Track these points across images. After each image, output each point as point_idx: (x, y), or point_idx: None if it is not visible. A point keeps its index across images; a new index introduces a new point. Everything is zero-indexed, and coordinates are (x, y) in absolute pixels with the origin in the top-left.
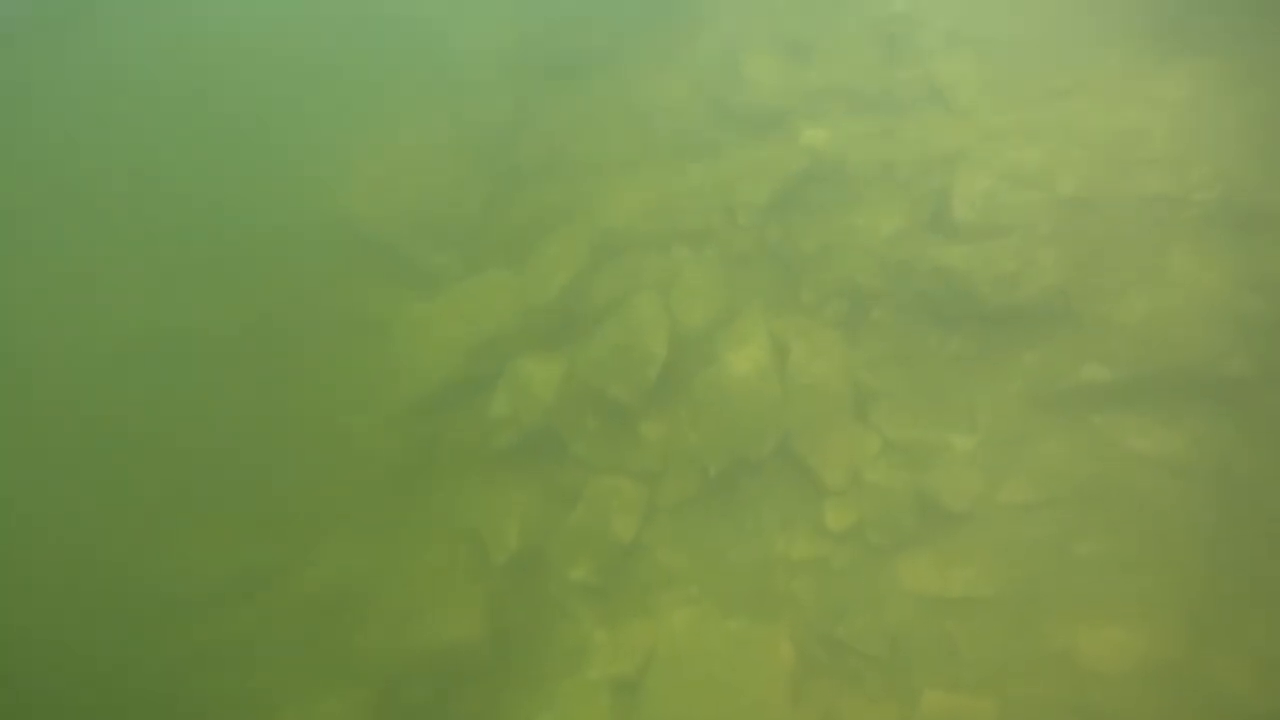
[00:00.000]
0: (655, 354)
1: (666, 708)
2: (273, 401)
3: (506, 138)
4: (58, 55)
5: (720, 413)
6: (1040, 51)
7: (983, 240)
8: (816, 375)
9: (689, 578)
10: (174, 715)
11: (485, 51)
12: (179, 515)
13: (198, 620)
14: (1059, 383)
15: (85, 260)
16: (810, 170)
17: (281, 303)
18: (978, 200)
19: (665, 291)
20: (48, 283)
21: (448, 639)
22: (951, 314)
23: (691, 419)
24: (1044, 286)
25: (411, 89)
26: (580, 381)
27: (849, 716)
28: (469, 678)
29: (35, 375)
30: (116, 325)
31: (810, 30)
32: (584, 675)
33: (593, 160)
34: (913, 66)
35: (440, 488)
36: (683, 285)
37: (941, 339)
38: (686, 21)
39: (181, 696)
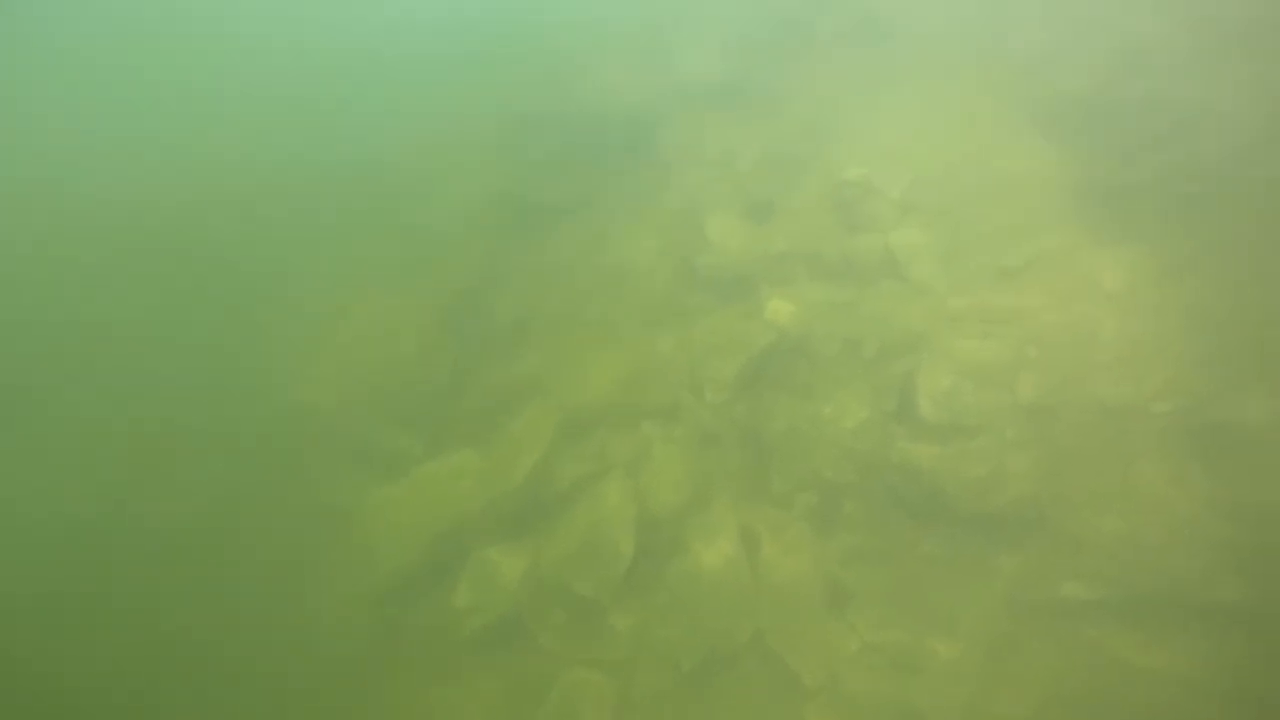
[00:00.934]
0: (623, 551)
1: None
2: (233, 592)
3: (475, 300)
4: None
5: (692, 606)
6: (986, 225)
7: (950, 441)
8: (789, 571)
9: None
10: None
11: (454, 206)
12: (135, 705)
13: None
14: (1041, 594)
15: (34, 447)
16: (776, 345)
17: (240, 494)
18: (941, 398)
19: (634, 474)
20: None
21: None
22: (924, 512)
23: (662, 612)
24: (1016, 495)
25: (376, 248)
26: (547, 574)
27: None
28: None
29: None
30: (74, 517)
31: (770, 190)
32: None
33: (564, 325)
34: (870, 233)
35: (405, 679)
36: (652, 467)
37: (916, 537)
38: (654, 174)
39: None
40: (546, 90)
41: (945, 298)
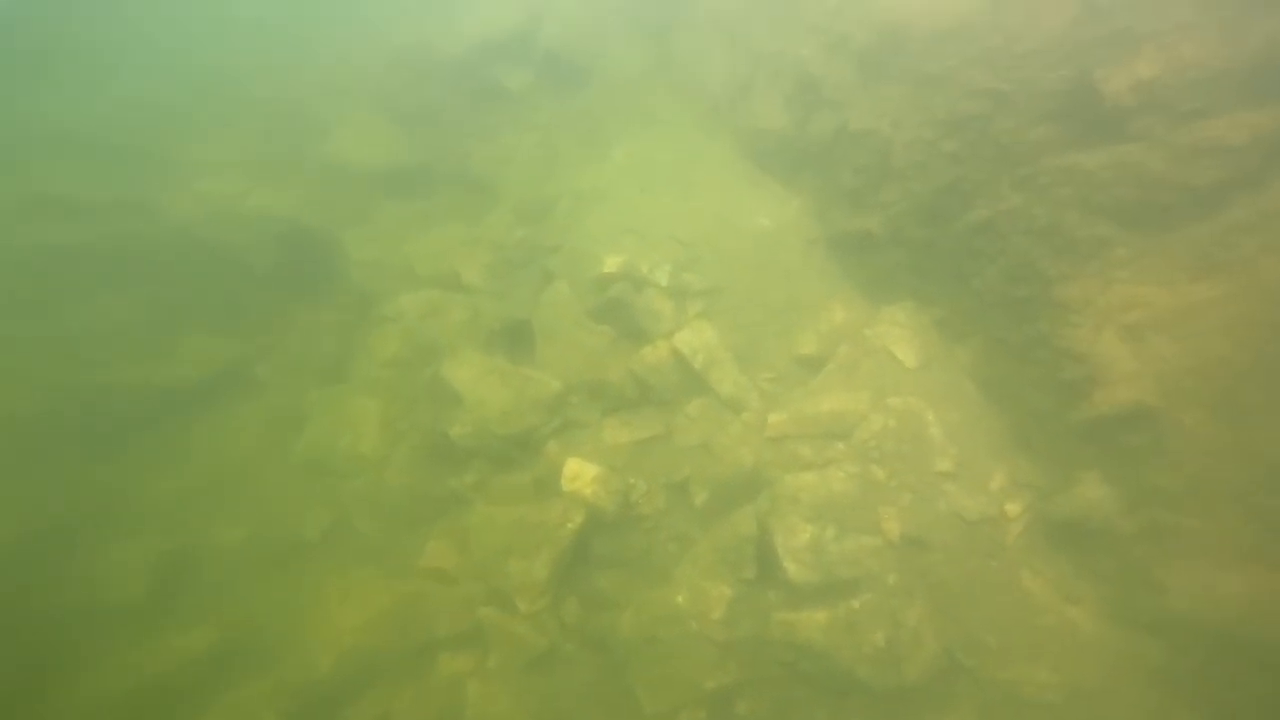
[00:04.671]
0: None
1: None
2: None
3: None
4: None
5: None
6: (766, 304)
7: (833, 602)
8: None
9: None
10: None
11: None
12: None
13: None
14: None
15: None
16: (591, 524)
17: None
18: (806, 555)
19: None
20: None
21: None
22: (836, 691)
23: None
24: (929, 657)
25: None
26: None
27: None
28: None
29: None
30: None
31: (516, 307)
32: None
33: (256, 563)
34: (654, 340)
35: None
36: (473, 714)
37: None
38: (351, 311)
39: None
40: (137, 197)
41: (761, 413)
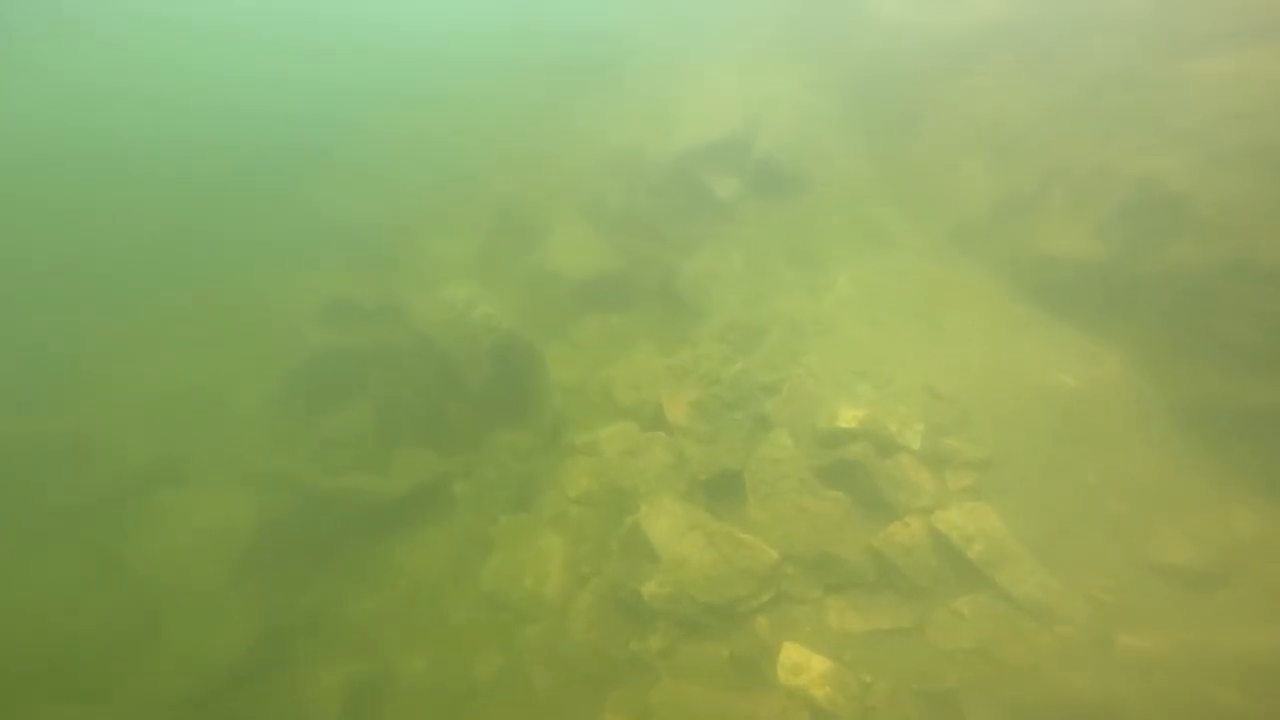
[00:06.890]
0: None
1: None
2: None
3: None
4: None
5: None
6: (1082, 490)
7: None
8: None
9: None
10: None
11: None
12: None
13: None
14: None
15: None
16: None
17: None
18: None
19: None
20: None
21: None
22: None
23: None
24: None
25: None
26: None
27: None
28: None
29: None
30: None
31: (727, 455)
32: None
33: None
34: (904, 515)
35: None
36: None
37: None
38: (541, 439)
39: None
40: (353, 305)
41: (1093, 629)
